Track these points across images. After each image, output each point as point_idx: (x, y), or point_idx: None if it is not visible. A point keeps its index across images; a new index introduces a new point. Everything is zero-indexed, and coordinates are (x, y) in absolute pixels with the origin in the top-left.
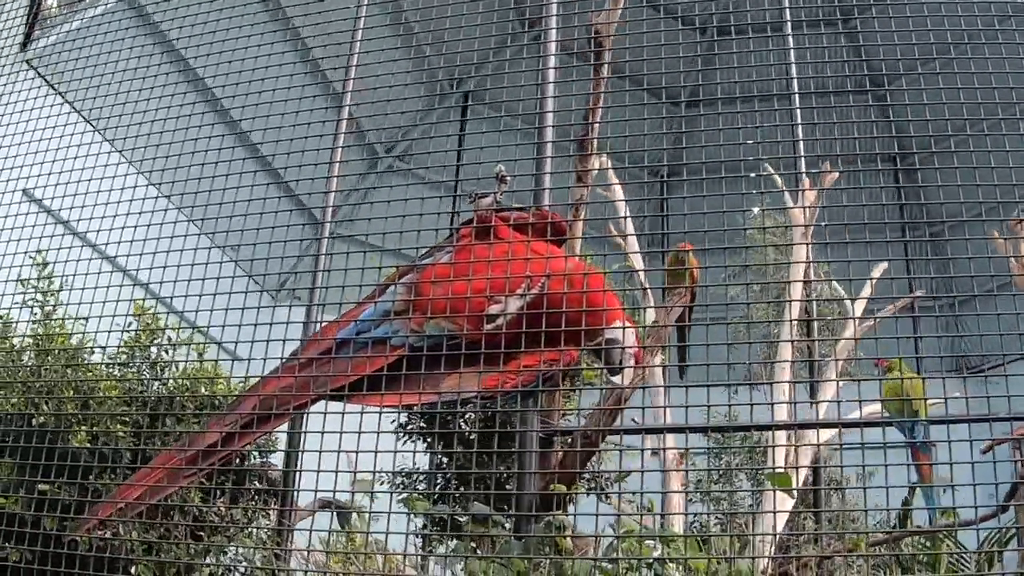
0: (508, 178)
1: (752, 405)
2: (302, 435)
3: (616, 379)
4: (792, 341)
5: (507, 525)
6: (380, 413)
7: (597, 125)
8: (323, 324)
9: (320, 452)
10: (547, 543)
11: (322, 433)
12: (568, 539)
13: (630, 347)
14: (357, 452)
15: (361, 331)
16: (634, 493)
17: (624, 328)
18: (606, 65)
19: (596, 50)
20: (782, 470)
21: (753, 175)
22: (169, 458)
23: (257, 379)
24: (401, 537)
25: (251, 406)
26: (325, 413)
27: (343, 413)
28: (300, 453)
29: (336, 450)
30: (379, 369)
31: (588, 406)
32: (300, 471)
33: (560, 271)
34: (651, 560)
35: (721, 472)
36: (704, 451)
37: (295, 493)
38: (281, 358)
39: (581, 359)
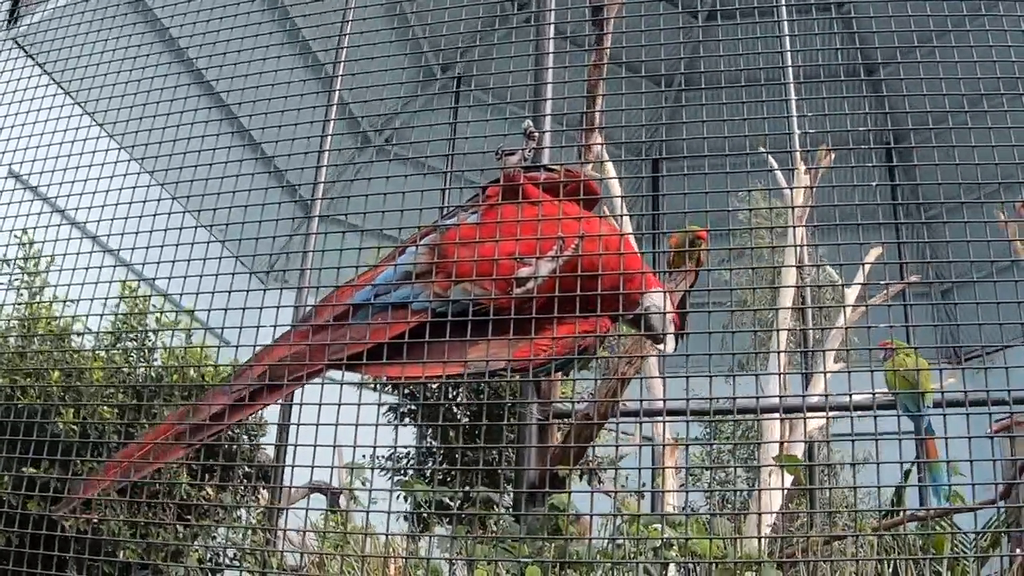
0: (536, 134)
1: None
2: (295, 408)
3: (661, 346)
4: (788, 317)
5: (502, 508)
6: (379, 385)
7: (600, 101)
8: (337, 287)
9: (301, 426)
10: (547, 525)
11: (299, 404)
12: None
13: (670, 312)
14: (334, 424)
15: (379, 294)
16: (628, 470)
17: (664, 293)
18: (607, 39)
19: (598, 33)
20: (791, 455)
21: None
22: (161, 431)
23: (263, 346)
24: (391, 520)
25: (257, 374)
26: (306, 384)
27: (337, 382)
28: (289, 431)
29: (329, 423)
30: (399, 336)
31: (584, 388)
32: (286, 446)
33: (594, 233)
34: (658, 544)
35: (715, 458)
36: (699, 436)
37: (282, 473)
38: (257, 326)
39: (618, 327)
